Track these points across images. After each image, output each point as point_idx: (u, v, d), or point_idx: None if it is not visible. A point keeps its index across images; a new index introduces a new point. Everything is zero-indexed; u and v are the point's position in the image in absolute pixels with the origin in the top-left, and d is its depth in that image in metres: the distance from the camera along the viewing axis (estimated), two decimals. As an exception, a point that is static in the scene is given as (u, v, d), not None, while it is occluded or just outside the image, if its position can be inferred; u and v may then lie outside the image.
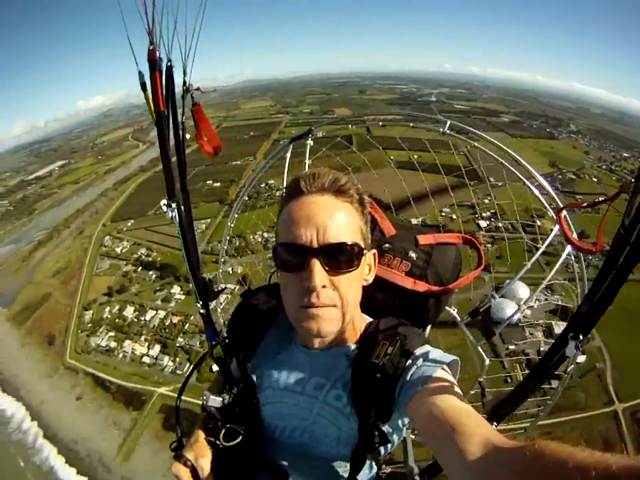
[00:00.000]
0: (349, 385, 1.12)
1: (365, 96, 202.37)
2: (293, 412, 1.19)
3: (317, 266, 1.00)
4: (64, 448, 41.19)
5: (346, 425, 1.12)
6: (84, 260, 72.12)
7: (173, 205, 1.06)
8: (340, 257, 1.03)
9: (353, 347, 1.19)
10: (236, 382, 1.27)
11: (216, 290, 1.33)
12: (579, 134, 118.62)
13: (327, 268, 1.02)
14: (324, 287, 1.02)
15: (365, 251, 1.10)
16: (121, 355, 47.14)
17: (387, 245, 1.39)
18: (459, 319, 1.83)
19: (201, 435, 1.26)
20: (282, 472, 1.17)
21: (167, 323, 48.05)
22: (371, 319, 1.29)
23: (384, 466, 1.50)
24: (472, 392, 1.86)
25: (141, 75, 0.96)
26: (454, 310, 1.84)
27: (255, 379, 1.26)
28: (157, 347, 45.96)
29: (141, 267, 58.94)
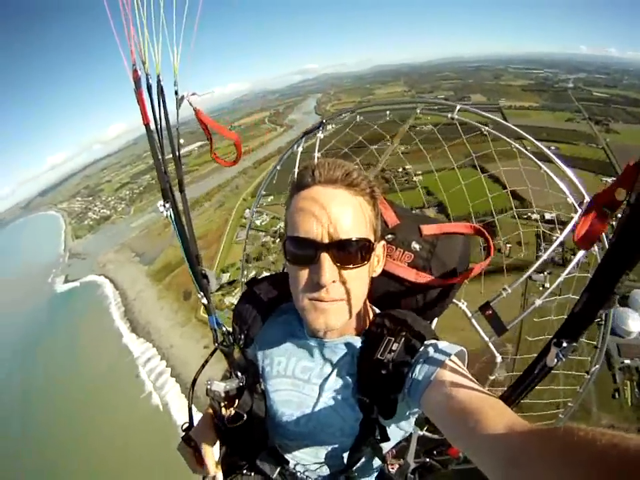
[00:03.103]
0: (355, 376, 1.12)
1: (501, 81, 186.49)
2: (299, 400, 1.20)
3: (327, 261, 0.98)
4: (185, 387, 45.88)
5: (350, 416, 1.12)
6: (224, 229, 79.38)
7: (167, 205, 1.11)
8: (351, 252, 1.02)
9: (360, 338, 1.19)
10: (241, 369, 1.24)
11: (218, 283, 1.33)
12: None
13: (337, 263, 1.00)
14: (333, 281, 1.01)
15: (374, 245, 1.09)
16: (252, 315, 50.42)
17: (389, 236, 1.33)
18: (468, 313, 1.74)
19: (208, 418, 1.30)
20: (281, 457, 1.21)
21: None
22: (378, 310, 1.30)
23: (394, 460, 1.47)
24: None
25: (135, 91, 1.04)
26: (463, 303, 1.75)
27: (261, 366, 1.28)
28: (287, 312, 47.66)
29: (279, 239, 60.70)
